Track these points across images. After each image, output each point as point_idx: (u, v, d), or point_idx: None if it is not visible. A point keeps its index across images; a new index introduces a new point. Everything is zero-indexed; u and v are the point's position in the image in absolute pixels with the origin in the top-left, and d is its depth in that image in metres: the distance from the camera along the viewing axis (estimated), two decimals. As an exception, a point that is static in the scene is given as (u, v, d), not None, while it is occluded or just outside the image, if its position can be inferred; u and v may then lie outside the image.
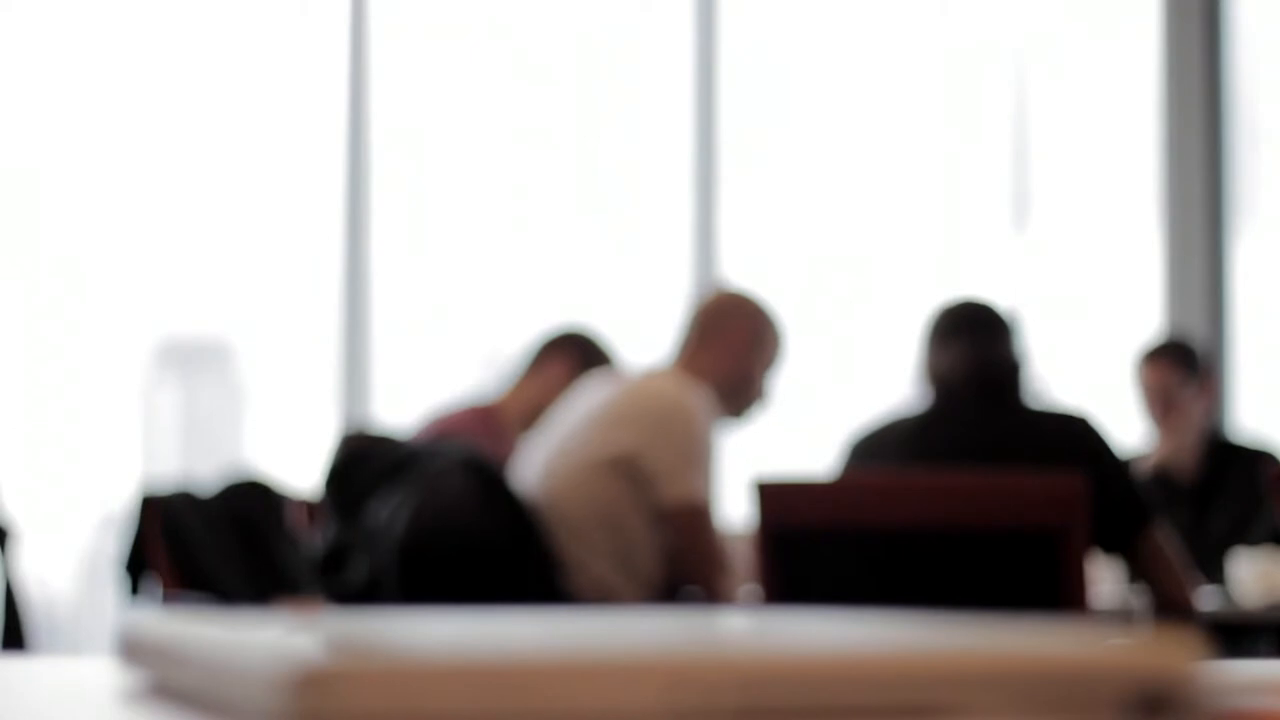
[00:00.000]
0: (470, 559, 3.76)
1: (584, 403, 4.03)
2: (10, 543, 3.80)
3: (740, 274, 6.80)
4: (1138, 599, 3.86)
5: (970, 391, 3.66)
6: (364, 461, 3.85)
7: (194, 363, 6.88)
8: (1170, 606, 3.65)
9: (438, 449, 3.91)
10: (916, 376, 3.78)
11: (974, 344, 3.69)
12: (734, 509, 4.20)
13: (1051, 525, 3.21)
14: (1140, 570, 3.64)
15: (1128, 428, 5.42)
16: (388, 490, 3.79)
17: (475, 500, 3.76)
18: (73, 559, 6.70)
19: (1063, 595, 3.21)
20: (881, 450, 3.68)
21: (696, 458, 3.88)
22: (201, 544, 4.18)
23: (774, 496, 3.35)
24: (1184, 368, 5.22)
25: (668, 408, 3.90)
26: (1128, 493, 3.56)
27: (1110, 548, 3.60)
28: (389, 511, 3.76)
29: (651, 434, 3.88)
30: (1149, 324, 6.75)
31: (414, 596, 3.69)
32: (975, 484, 3.31)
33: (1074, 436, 3.57)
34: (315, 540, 3.96)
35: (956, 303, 3.79)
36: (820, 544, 3.33)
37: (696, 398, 3.92)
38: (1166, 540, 3.63)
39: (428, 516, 3.72)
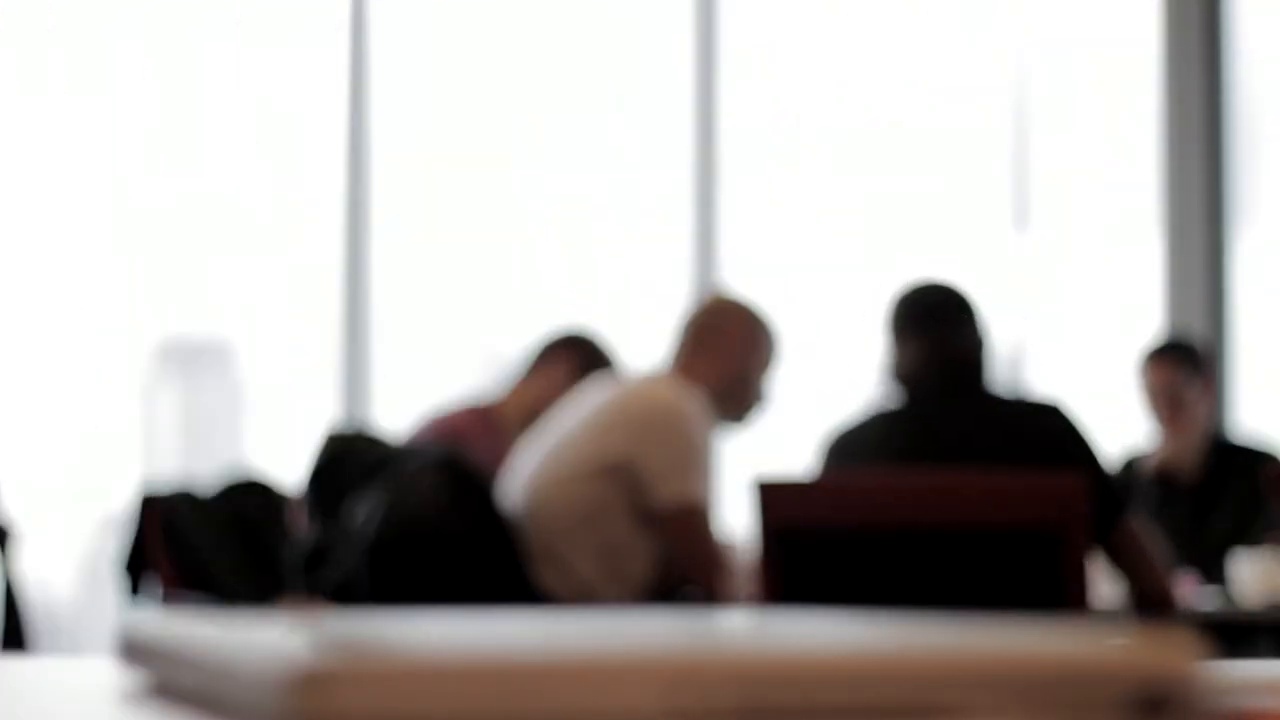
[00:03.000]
0: (439, 558, 3.77)
1: (580, 407, 4.04)
2: (10, 543, 3.80)
3: (740, 275, 6.80)
4: (1117, 592, 3.86)
5: (935, 388, 3.67)
6: (346, 461, 3.87)
7: (194, 363, 6.88)
8: (1149, 599, 3.64)
9: (417, 449, 3.93)
10: (881, 373, 3.78)
11: (933, 338, 3.69)
12: (735, 512, 4.21)
13: (1051, 525, 3.21)
14: (1118, 562, 3.63)
15: (1129, 428, 5.42)
16: (367, 490, 3.81)
17: (445, 500, 3.78)
18: (73, 559, 6.70)
19: (1062, 595, 3.21)
20: (854, 451, 3.69)
21: (692, 460, 3.89)
22: (201, 544, 4.18)
23: (774, 496, 3.35)
24: (1188, 367, 5.22)
25: (661, 411, 3.91)
26: (1102, 484, 3.53)
27: (1106, 549, 3.59)
28: (366, 511, 3.78)
29: (645, 438, 3.89)
30: (1149, 324, 6.75)
31: (384, 595, 3.71)
32: (975, 484, 3.31)
33: (1046, 428, 3.56)
34: (300, 539, 3.98)
35: (911, 291, 3.78)
36: (820, 544, 3.33)
37: (691, 401, 3.92)
38: (1143, 531, 3.62)
39: (397, 516, 3.74)
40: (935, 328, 3.70)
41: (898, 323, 3.73)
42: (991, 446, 3.53)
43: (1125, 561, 3.60)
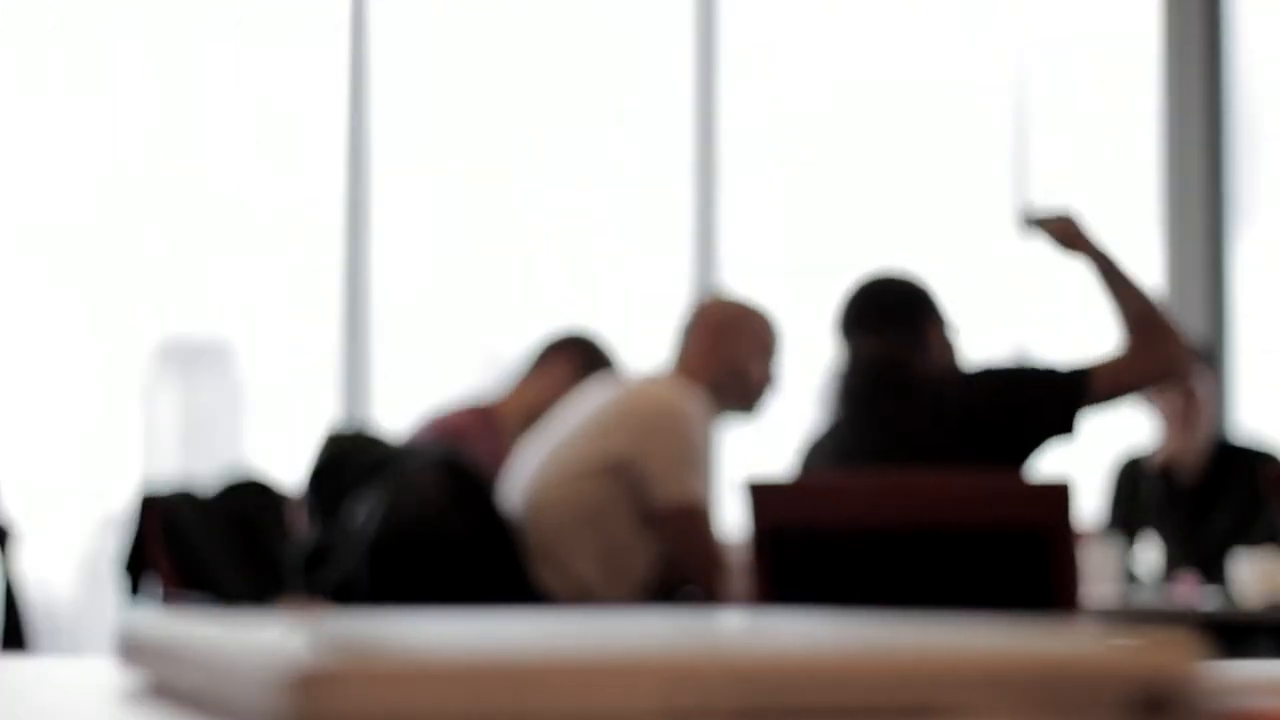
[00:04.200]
0: (439, 558, 3.77)
1: (581, 407, 4.04)
2: (10, 543, 3.80)
3: (740, 275, 6.80)
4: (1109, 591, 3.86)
5: (869, 391, 3.74)
6: (346, 461, 3.87)
7: (194, 363, 6.88)
8: (1138, 320, 3.75)
9: (417, 449, 3.93)
10: (827, 373, 3.86)
11: (864, 339, 3.77)
12: (735, 512, 4.21)
13: (1041, 525, 3.21)
14: (1124, 379, 3.74)
15: (1130, 428, 5.42)
16: (367, 490, 3.81)
17: (445, 500, 3.78)
18: (73, 559, 6.70)
19: (1053, 596, 3.21)
20: (821, 460, 3.77)
21: (691, 460, 3.90)
22: (201, 544, 4.18)
23: (765, 497, 3.35)
24: (1200, 363, 5.20)
25: (661, 411, 3.92)
26: (1052, 379, 3.66)
27: (1106, 399, 3.70)
28: (366, 511, 3.78)
29: (645, 437, 3.89)
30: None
31: (384, 595, 3.71)
32: (968, 484, 3.31)
33: (974, 392, 3.66)
34: (301, 539, 3.98)
35: (852, 291, 3.87)
36: (811, 545, 3.33)
37: (691, 401, 3.93)
38: (1105, 357, 3.74)
39: (398, 516, 3.75)
40: (864, 328, 3.79)
41: (836, 324, 3.83)
42: (940, 436, 3.62)
43: (1127, 361, 3.71)
